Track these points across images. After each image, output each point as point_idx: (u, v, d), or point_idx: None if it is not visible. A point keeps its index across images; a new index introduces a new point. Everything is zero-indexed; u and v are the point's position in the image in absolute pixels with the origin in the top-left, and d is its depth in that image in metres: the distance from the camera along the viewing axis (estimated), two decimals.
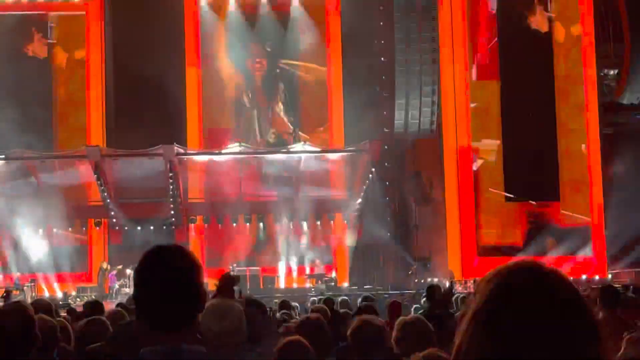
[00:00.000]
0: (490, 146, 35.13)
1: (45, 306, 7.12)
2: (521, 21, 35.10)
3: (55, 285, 33.32)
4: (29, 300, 26.47)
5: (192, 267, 2.79)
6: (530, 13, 35.35)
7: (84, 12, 36.02)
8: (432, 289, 11.64)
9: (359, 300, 14.81)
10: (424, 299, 14.31)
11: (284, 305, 10.96)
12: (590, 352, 1.58)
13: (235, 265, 32.42)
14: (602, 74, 35.88)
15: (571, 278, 1.67)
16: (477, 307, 1.63)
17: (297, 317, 10.38)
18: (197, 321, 2.80)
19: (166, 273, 2.74)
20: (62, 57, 36.24)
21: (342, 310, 11.25)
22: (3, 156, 32.37)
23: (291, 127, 36.27)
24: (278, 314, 10.80)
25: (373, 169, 32.49)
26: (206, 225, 35.11)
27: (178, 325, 2.73)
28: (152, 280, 2.76)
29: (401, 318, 6.05)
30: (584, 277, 31.39)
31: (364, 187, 33.15)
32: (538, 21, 35.34)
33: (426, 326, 5.93)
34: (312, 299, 21.16)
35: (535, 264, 1.66)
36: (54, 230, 34.40)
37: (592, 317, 1.61)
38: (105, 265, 33.51)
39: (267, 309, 9.24)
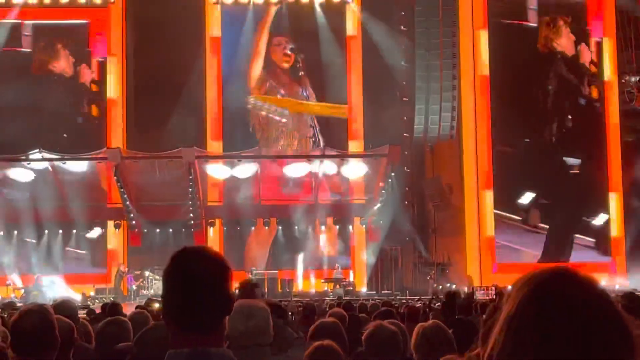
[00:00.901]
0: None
1: (69, 308, 7.12)
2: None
3: (74, 287, 33.42)
4: (49, 301, 26.63)
5: (220, 269, 2.76)
6: (555, 35, 35.40)
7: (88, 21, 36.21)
8: (452, 295, 11.61)
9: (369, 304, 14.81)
10: (441, 304, 14.27)
11: (308, 308, 10.92)
12: None
13: (254, 269, 32.46)
14: (623, 80, 35.73)
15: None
16: (509, 314, 1.62)
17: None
18: (224, 324, 2.78)
19: (194, 275, 2.71)
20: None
21: (360, 315, 11.22)
22: (24, 157, 32.58)
23: (313, 130, 36.25)
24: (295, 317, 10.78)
25: (392, 173, 32.48)
26: (225, 228, 35.16)
27: (205, 328, 2.71)
28: (180, 281, 2.73)
29: (420, 324, 6.01)
30: (603, 283, 31.21)
31: (383, 191, 33.13)
32: (564, 44, 35.39)
33: (445, 332, 5.89)
34: (327, 301, 21.15)
35: (568, 270, 1.65)
36: (73, 231, 34.55)
37: (627, 326, 1.59)
38: (122, 267, 33.61)
39: (289, 313, 9.22)
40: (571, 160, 35.11)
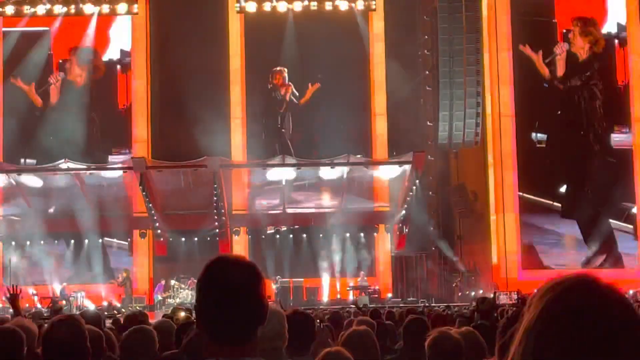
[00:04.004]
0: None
1: (93, 317, 7.17)
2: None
3: (99, 296, 33.58)
4: (75, 311, 26.78)
5: (254, 278, 2.74)
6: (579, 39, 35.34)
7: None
8: (480, 301, 11.58)
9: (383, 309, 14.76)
10: (470, 310, 14.24)
11: (335, 317, 10.91)
12: None
13: (279, 277, 32.47)
14: None
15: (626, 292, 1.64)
16: (530, 323, 1.60)
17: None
18: (258, 334, 2.75)
19: (228, 284, 2.69)
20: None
21: (387, 322, 11.20)
22: (51, 167, 32.77)
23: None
24: (324, 325, 10.76)
25: (417, 181, 32.40)
26: (249, 236, 35.21)
27: (240, 338, 2.69)
28: (215, 291, 2.70)
29: (454, 330, 6.03)
30: (631, 291, 30.99)
31: (408, 198, 33.06)
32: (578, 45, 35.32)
33: (477, 338, 5.90)
34: (353, 309, 21.10)
35: (589, 279, 1.63)
36: (99, 241, 34.68)
37: None
38: (125, 273, 33.53)
39: (317, 321, 9.21)
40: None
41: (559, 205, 34.54)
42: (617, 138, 35.16)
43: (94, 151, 35.25)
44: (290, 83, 36.27)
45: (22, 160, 35.44)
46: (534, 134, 34.95)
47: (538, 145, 34.92)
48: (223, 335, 2.68)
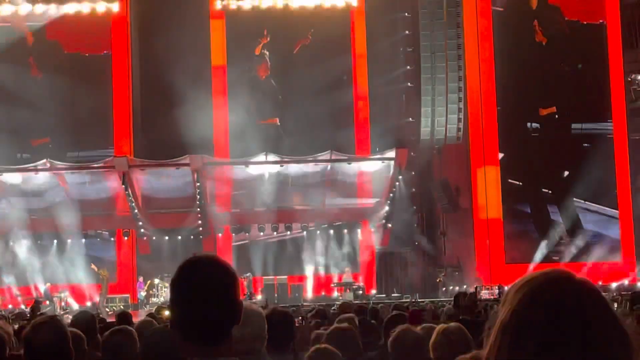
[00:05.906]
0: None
1: (86, 319, 7.12)
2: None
3: (83, 295, 33.47)
4: (59, 311, 26.70)
5: (228, 278, 2.73)
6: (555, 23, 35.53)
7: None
8: (459, 296, 11.61)
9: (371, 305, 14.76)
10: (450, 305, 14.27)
11: (320, 313, 10.93)
12: None
13: (249, 275, 32.31)
14: (629, 79, 35.67)
15: (599, 283, 1.66)
16: (505, 318, 1.61)
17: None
18: (232, 333, 2.74)
19: (202, 284, 2.68)
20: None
21: (371, 320, 11.21)
22: (33, 167, 32.63)
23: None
24: (312, 322, 10.77)
25: (400, 177, 32.43)
26: (233, 234, 35.15)
27: (213, 338, 2.68)
28: (188, 291, 2.70)
29: (441, 325, 6.07)
30: (614, 285, 31.19)
31: (391, 194, 33.09)
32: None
33: (465, 334, 5.94)
34: (336, 305, 21.15)
35: (563, 274, 1.63)
36: (83, 240, 34.55)
37: (623, 329, 1.59)
38: (97, 269, 33.30)
39: (299, 318, 9.23)
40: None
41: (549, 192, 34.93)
42: (604, 126, 35.41)
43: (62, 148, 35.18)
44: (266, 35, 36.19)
45: (19, 155, 35.27)
46: (529, 124, 35.20)
47: (533, 135, 35.21)
48: (196, 335, 2.67)
